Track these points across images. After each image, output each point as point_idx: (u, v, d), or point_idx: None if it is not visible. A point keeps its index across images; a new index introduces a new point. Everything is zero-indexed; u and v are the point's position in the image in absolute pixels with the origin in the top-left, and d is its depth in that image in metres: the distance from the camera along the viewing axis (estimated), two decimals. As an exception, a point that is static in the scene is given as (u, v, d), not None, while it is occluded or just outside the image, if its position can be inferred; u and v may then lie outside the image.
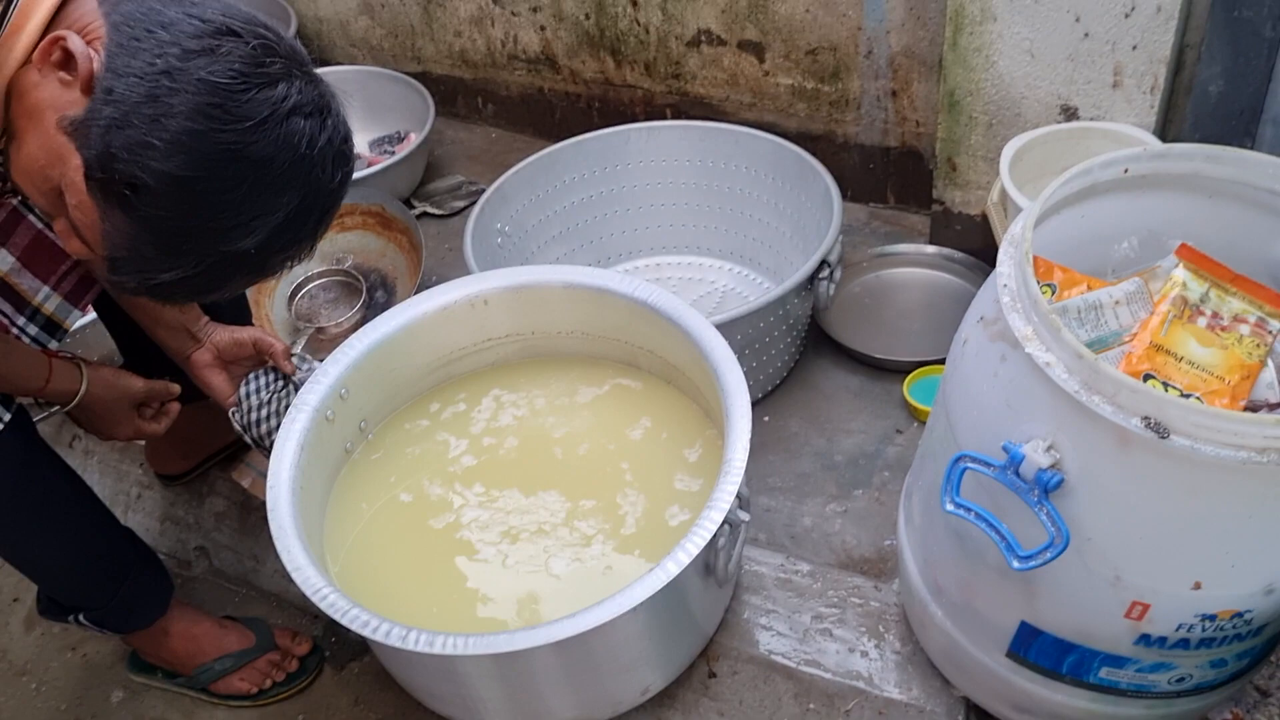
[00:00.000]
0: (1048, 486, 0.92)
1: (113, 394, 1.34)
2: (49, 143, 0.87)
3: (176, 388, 1.42)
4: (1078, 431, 0.91)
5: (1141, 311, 1.03)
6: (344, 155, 0.95)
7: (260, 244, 0.91)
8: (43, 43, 0.88)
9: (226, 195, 0.87)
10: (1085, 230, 1.12)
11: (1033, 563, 0.94)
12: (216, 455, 1.70)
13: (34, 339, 1.28)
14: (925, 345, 1.78)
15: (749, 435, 1.21)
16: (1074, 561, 0.96)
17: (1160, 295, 1.02)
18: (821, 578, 1.44)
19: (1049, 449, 0.92)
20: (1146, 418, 0.86)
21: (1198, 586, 0.93)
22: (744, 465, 1.19)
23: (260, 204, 0.89)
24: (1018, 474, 0.94)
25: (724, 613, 1.39)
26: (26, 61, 0.89)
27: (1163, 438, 0.85)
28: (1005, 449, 0.94)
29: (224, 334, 1.42)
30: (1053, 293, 1.06)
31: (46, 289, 1.28)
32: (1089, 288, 1.04)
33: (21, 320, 1.27)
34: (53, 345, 1.30)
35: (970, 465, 0.98)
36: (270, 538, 1.22)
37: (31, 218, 1.25)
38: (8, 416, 1.19)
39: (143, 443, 1.72)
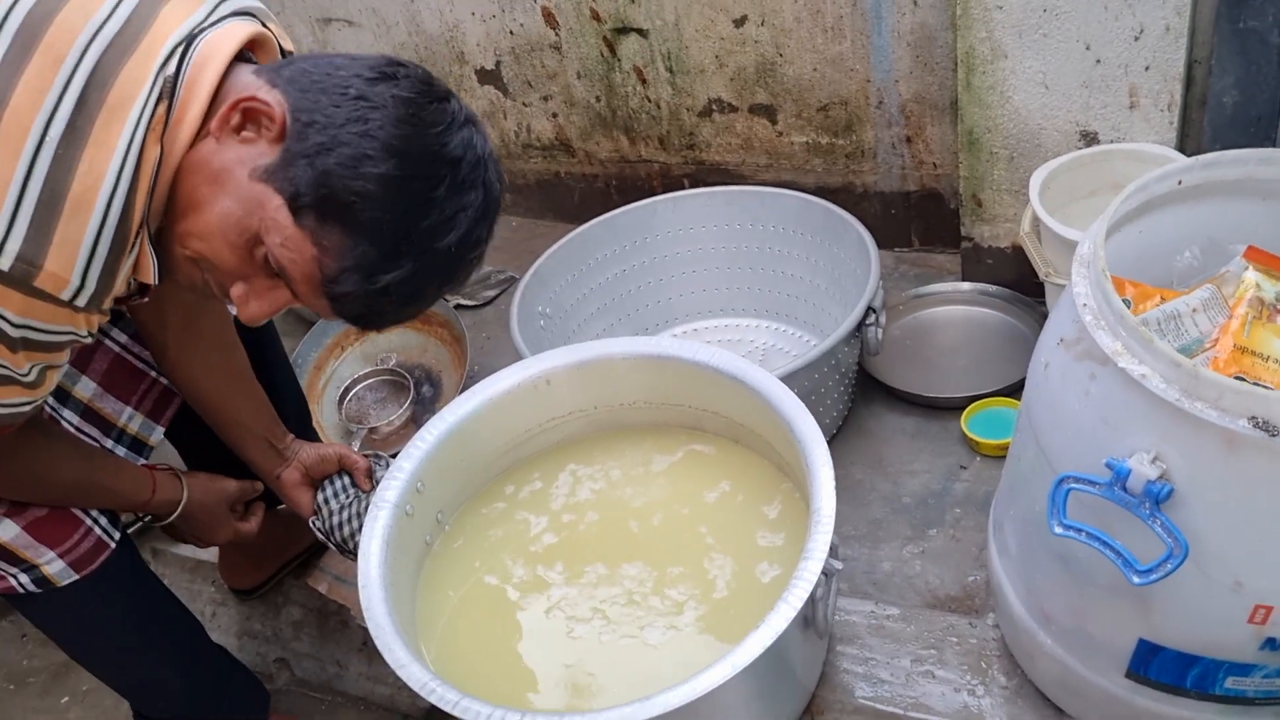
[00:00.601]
0: (1159, 498, 0.93)
1: (212, 498, 1.37)
2: (244, 194, 0.93)
3: (260, 485, 1.44)
4: (1182, 440, 0.91)
5: (1219, 316, 1.04)
6: (498, 160, 1.04)
7: (459, 239, 0.98)
8: (220, 111, 0.94)
9: (433, 193, 0.95)
10: (1145, 245, 1.14)
11: (1154, 576, 0.94)
12: (289, 565, 1.70)
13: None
14: (975, 380, 1.79)
15: (833, 483, 1.22)
16: (1192, 571, 0.95)
17: (1235, 299, 1.04)
18: (913, 620, 1.43)
19: (1154, 460, 0.93)
20: (1254, 417, 0.87)
21: (1321, 582, 0.93)
22: (833, 513, 1.19)
23: (458, 200, 0.97)
24: (1125, 489, 0.95)
25: (822, 665, 1.38)
26: (195, 139, 0.95)
27: (1273, 436, 0.86)
28: (1109, 465, 0.95)
29: (311, 451, 1.44)
30: (1129, 308, 1.07)
31: (129, 409, 1.30)
32: (1163, 299, 1.06)
33: (109, 443, 1.29)
34: (139, 462, 1.31)
35: (1075, 486, 0.98)
36: (349, 641, 1.21)
37: (109, 342, 1.27)
38: (118, 535, 1.20)
39: (215, 560, 1.72)
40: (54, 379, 1.02)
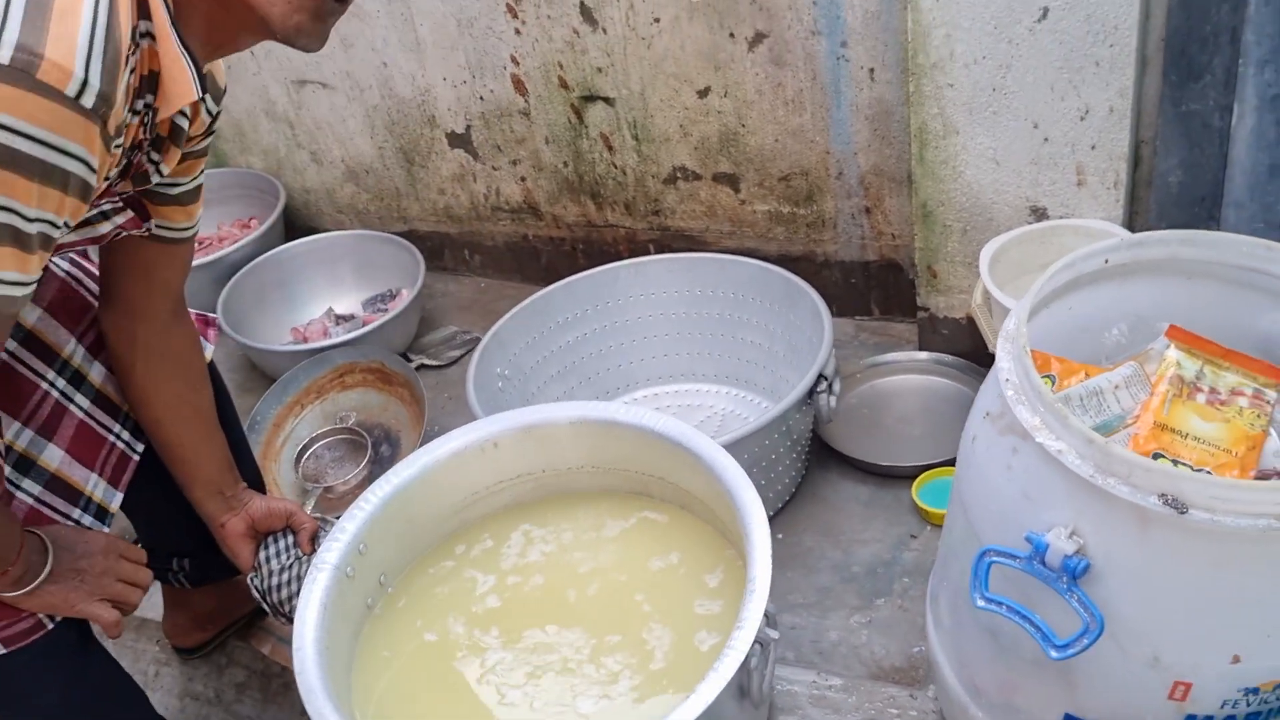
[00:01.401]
0: (1075, 573, 0.93)
1: (92, 543, 1.24)
2: None
3: (143, 554, 1.32)
4: (1098, 515, 0.92)
5: (1141, 393, 1.06)
6: None
7: None
8: None
9: None
10: (1075, 321, 1.16)
11: (1070, 650, 0.94)
12: (233, 625, 1.69)
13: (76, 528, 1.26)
14: (928, 449, 1.80)
15: (770, 552, 1.22)
16: (1110, 646, 0.96)
17: (1157, 376, 1.06)
18: (855, 691, 1.42)
19: (1071, 535, 0.94)
20: (1164, 494, 0.88)
21: (1237, 660, 0.93)
22: (768, 582, 1.19)
23: None
24: (1044, 563, 0.95)
25: (762, 736, 1.37)
26: None
27: (1182, 513, 0.87)
28: (1029, 539, 0.96)
29: (260, 504, 1.42)
30: (1053, 383, 1.09)
31: (94, 476, 1.28)
32: (1087, 375, 1.08)
33: (76, 513, 1.26)
34: (105, 530, 1.29)
35: (996, 559, 0.99)
36: (292, 703, 1.20)
37: (73, 408, 1.26)
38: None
39: (159, 620, 1.70)
40: (45, 260, 0.97)
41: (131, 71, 0.96)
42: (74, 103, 0.89)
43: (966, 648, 1.17)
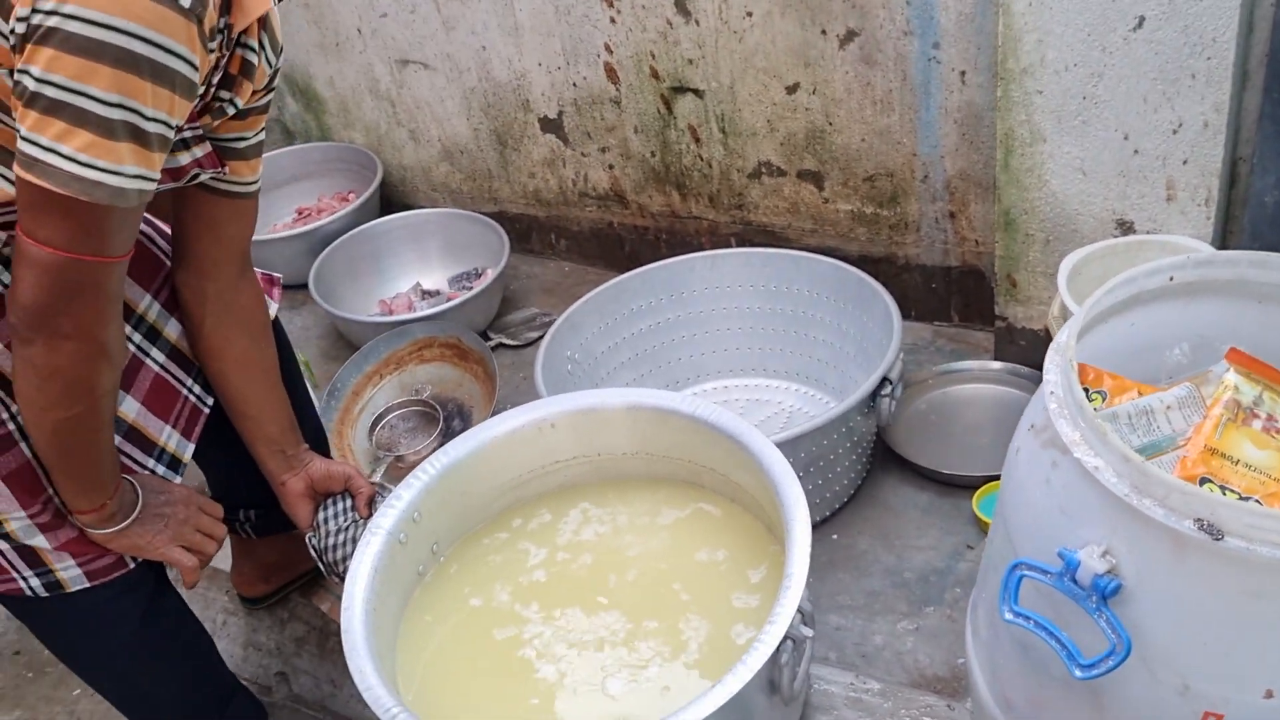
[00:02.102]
0: (1105, 593, 0.91)
1: (174, 491, 1.33)
2: None
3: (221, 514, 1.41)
4: (1132, 536, 0.90)
5: (1194, 416, 1.03)
6: None
7: None
8: None
9: None
10: (1135, 338, 1.13)
11: (1095, 671, 0.92)
12: (297, 580, 1.76)
13: (162, 478, 1.35)
14: (993, 460, 1.75)
15: (809, 549, 1.22)
16: (1139, 670, 0.94)
17: (1213, 399, 1.02)
18: (893, 697, 1.41)
19: (1104, 554, 0.92)
20: (1199, 520, 0.86)
21: (1270, 695, 0.90)
22: (804, 579, 1.19)
23: None
24: (1074, 580, 0.94)
25: (793, 733, 1.38)
26: None
27: (1217, 539, 0.85)
28: (1061, 555, 0.94)
29: (320, 465, 1.47)
30: (1103, 399, 1.06)
31: (169, 428, 1.35)
32: (1139, 393, 1.05)
33: (150, 462, 1.33)
34: (177, 479, 1.36)
35: (1027, 573, 0.97)
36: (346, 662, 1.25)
37: (149, 362, 1.33)
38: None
39: (229, 572, 1.78)
40: (161, 161, 1.05)
41: None
42: (174, 3, 0.97)
43: (999, 660, 1.16)
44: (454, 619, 1.44)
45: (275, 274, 1.54)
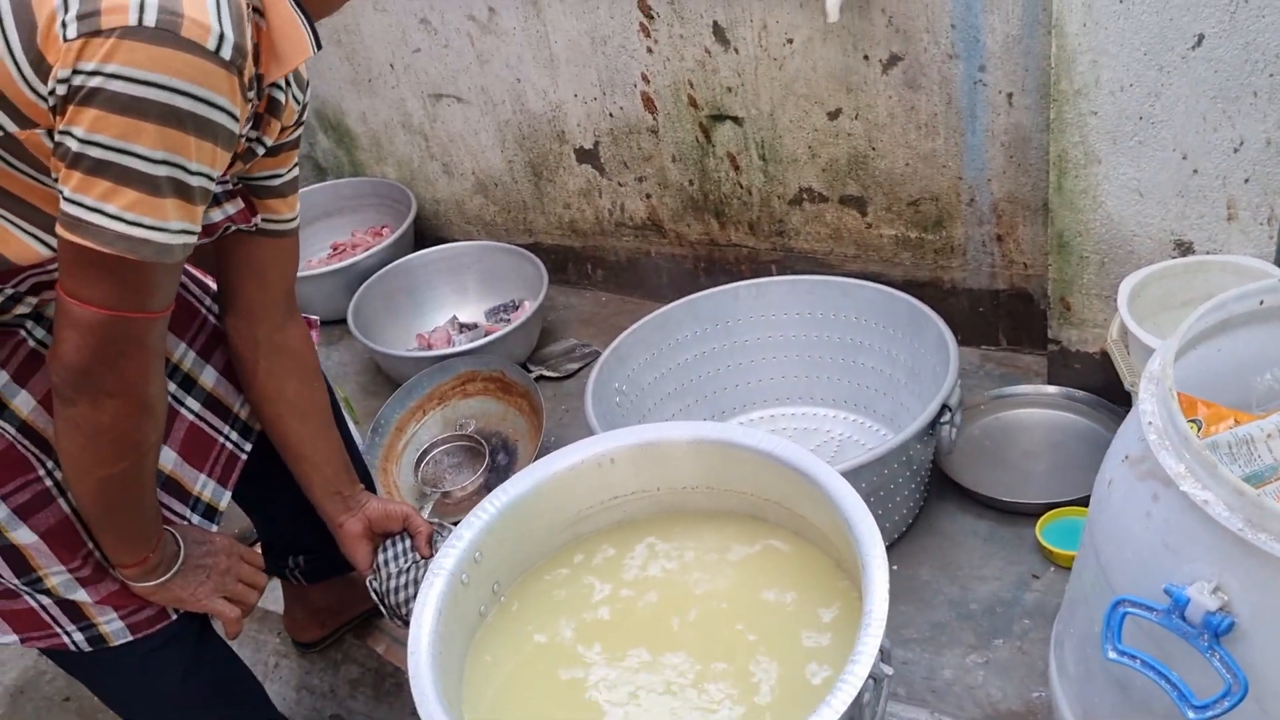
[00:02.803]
0: (1218, 630, 0.89)
1: (216, 542, 1.31)
2: None
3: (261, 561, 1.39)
4: (1246, 571, 0.88)
5: (1296, 444, 1.00)
6: None
7: None
8: None
9: None
10: (1224, 363, 1.11)
11: (1209, 713, 0.89)
12: (351, 622, 1.73)
13: (202, 529, 1.32)
14: (1055, 487, 1.74)
15: (887, 584, 1.19)
16: (1254, 711, 0.91)
17: (1314, 426, 1.00)
18: (970, 734, 1.38)
19: (1215, 590, 0.89)
20: (1320, 554, 0.83)
21: (1393, 735, 0.87)
22: (885, 616, 1.16)
23: None
24: (1183, 618, 0.91)
25: (870, 773, 1.34)
26: None
27: (1340, 575, 0.82)
28: (1168, 592, 0.91)
29: (377, 506, 1.45)
30: (1199, 429, 1.04)
31: (204, 477, 1.34)
32: (1236, 421, 1.02)
33: (185, 510, 1.31)
34: (213, 528, 1.34)
35: (1131, 610, 0.95)
36: (403, 704, 1.22)
37: (184, 411, 1.32)
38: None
39: (280, 614, 1.76)
40: (202, 213, 1.04)
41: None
42: (215, 56, 0.95)
43: (1094, 699, 1.12)
44: (517, 658, 1.41)
45: (313, 316, 1.54)
